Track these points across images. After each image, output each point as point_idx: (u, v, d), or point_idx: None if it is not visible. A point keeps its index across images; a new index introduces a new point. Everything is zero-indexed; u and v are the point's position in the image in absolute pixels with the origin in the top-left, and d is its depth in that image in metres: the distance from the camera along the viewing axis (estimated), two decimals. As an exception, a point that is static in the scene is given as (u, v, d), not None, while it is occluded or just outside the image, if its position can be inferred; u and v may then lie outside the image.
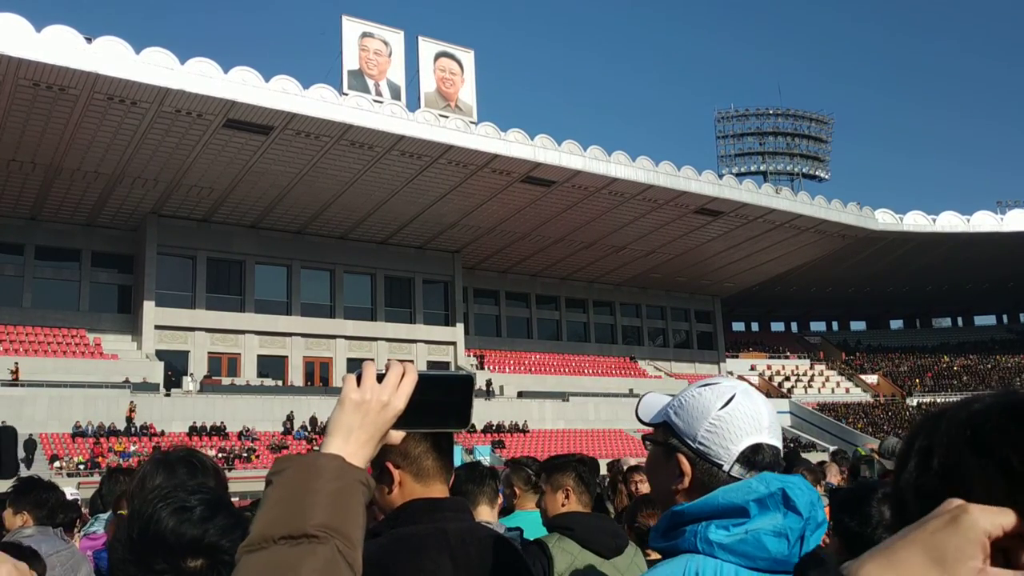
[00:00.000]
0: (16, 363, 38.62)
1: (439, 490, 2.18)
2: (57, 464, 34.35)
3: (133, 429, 39.40)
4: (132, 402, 40.40)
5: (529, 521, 3.90)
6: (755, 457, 1.66)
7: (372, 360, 1.34)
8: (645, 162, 46.63)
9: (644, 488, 6.52)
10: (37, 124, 35.21)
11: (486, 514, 3.79)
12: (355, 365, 50.91)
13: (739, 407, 1.69)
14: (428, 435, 2.16)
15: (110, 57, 32.89)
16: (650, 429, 1.86)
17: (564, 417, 51.87)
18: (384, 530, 2.13)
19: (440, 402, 1.37)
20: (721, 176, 52.11)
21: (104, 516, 4.29)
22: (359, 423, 1.30)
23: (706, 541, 1.56)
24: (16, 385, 37.98)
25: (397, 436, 1.37)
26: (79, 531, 4.47)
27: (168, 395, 41.69)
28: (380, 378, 1.33)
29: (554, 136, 43.92)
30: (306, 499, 1.19)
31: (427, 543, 2.08)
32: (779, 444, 1.72)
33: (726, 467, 1.66)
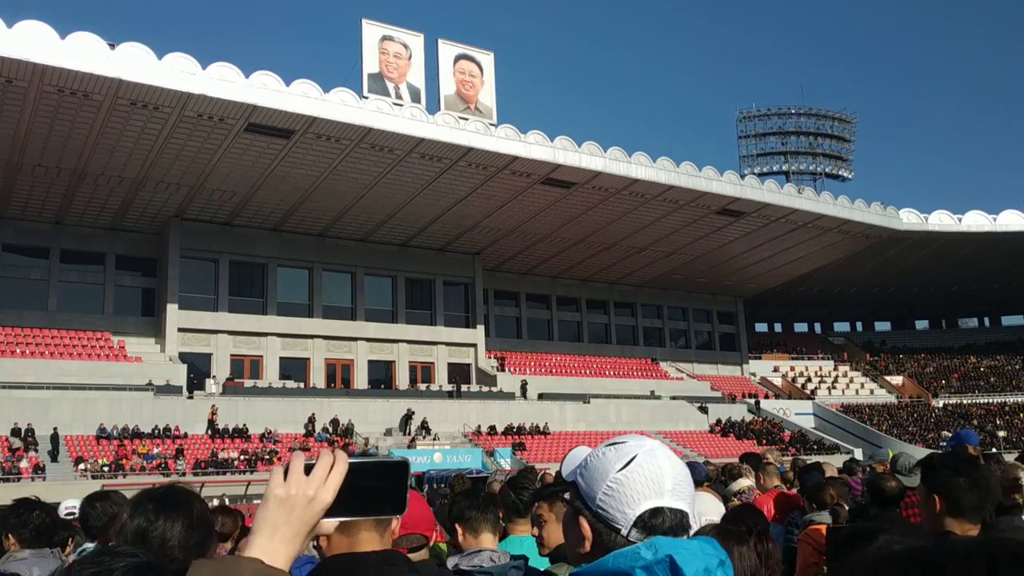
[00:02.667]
0: None
1: (368, 540, 1.99)
2: (82, 466, 34.69)
3: (214, 431, 40.17)
4: (214, 406, 41.13)
5: (526, 548, 3.79)
6: (653, 521, 1.59)
7: (302, 451, 1.30)
8: (666, 163, 46.41)
9: None
10: (62, 130, 35.61)
11: (488, 542, 3.70)
12: (376, 367, 51.34)
13: (638, 469, 1.62)
14: (410, 467, 2.08)
15: (133, 63, 33.21)
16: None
17: (585, 419, 51.71)
18: None
19: (374, 488, 1.36)
20: (743, 176, 51.79)
21: (91, 546, 4.24)
22: (284, 519, 1.27)
23: None
24: (42, 388, 38.42)
25: (330, 525, 1.34)
26: (71, 551, 4.42)
27: (191, 397, 42.00)
28: (309, 469, 1.31)
29: (574, 137, 43.87)
30: None
31: None
32: (685, 507, 1.63)
33: (623, 531, 1.59)
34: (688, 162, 47.26)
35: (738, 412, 58.74)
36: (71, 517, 5.70)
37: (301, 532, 1.29)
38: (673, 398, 57.49)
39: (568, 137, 43.61)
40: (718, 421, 56.45)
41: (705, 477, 7.88)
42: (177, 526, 2.22)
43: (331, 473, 1.32)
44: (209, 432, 40.64)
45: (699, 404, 57.61)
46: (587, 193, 46.65)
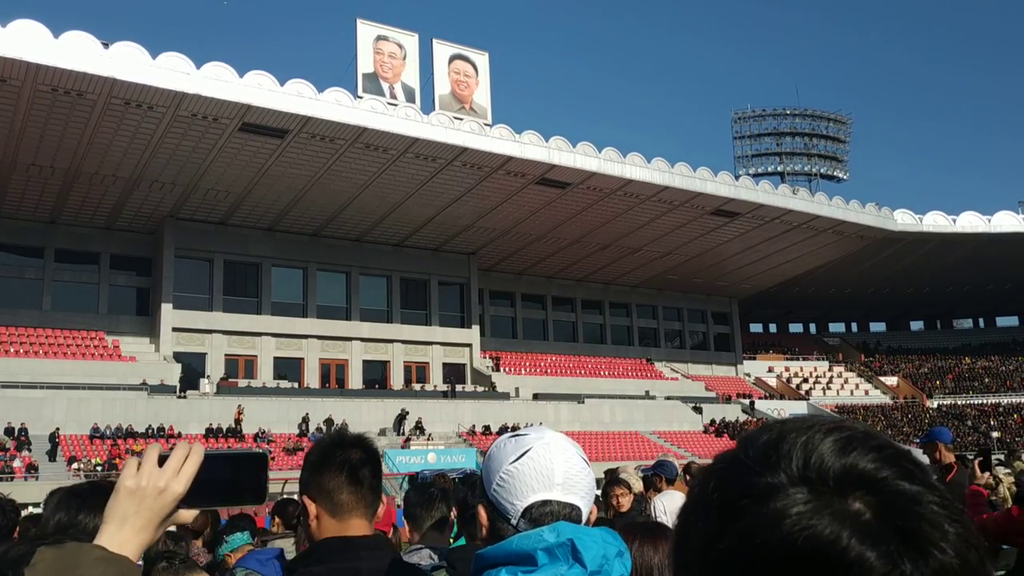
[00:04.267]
0: None
1: (357, 526, 2.12)
2: (76, 465, 34.63)
3: (240, 432, 40.35)
4: (240, 405, 41.19)
5: None
6: (542, 511, 1.63)
7: (156, 445, 1.35)
8: (661, 163, 46.47)
9: (625, 502, 6.44)
10: (56, 129, 35.57)
11: (433, 539, 3.70)
12: (371, 367, 51.32)
13: (529, 462, 1.65)
14: (345, 466, 2.13)
15: (127, 62, 33.19)
16: None
17: (580, 419, 51.72)
18: (298, 567, 2.09)
19: (232, 479, 1.39)
20: (738, 177, 51.87)
21: None
22: (134, 510, 1.31)
23: None
24: (37, 387, 38.36)
25: (188, 515, 1.39)
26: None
27: (183, 397, 41.79)
28: (163, 460, 1.33)
29: (569, 138, 43.94)
30: None
31: None
32: (577, 500, 1.67)
33: (513, 521, 1.64)
34: (683, 163, 47.35)
35: (732, 412, 58.81)
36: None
37: (152, 521, 1.32)
38: (668, 398, 57.52)
39: (563, 137, 43.67)
40: (712, 421, 56.49)
41: (675, 475, 7.98)
42: (99, 522, 2.23)
43: (185, 464, 1.34)
44: (234, 429, 40.82)
45: (693, 404, 57.65)
46: (582, 193, 46.69)
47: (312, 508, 2.13)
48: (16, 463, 33.70)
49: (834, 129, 79.45)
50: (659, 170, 46.34)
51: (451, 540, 4.02)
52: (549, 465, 1.66)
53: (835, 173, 79.19)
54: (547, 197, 46.75)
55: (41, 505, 6.20)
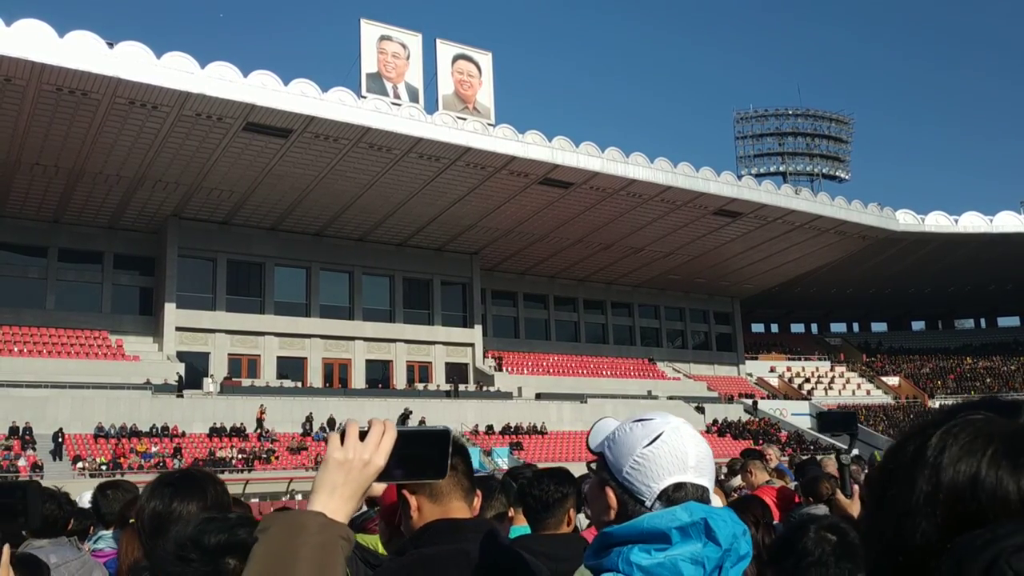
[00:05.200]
0: None
1: (459, 508, 2.21)
2: (80, 464, 34.69)
3: (262, 432, 40.61)
4: (262, 405, 41.44)
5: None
6: (676, 495, 1.69)
7: (354, 420, 1.44)
8: (663, 163, 46.51)
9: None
10: (60, 128, 35.61)
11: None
12: (374, 367, 51.34)
13: (664, 445, 1.72)
14: (451, 436, 2.22)
15: (131, 62, 33.23)
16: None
17: (582, 419, 51.72)
18: (408, 549, 2.15)
19: (418, 455, 1.49)
20: (740, 177, 51.94)
21: (107, 534, 4.31)
22: (343, 480, 1.41)
23: (628, 563, 1.61)
24: (40, 386, 38.41)
25: (379, 488, 1.48)
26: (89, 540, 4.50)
27: (180, 396, 41.65)
28: (363, 435, 1.44)
29: (572, 138, 43.95)
30: (289, 556, 1.30)
31: (448, 564, 2.10)
32: (707, 483, 1.75)
33: (648, 503, 1.69)
34: (685, 163, 47.37)
35: (735, 412, 58.84)
36: (87, 507, 5.79)
37: (357, 493, 1.42)
38: (670, 398, 57.52)
39: (566, 137, 43.72)
40: (715, 421, 56.52)
41: None
42: (192, 508, 2.27)
43: (383, 439, 1.45)
44: (257, 432, 41.00)
45: (696, 404, 57.66)
46: (585, 193, 46.73)
47: (413, 500, 2.20)
48: (21, 462, 33.73)
49: (836, 129, 79.46)
50: (662, 170, 46.37)
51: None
52: (683, 448, 1.73)
53: (837, 173, 79.20)
54: (550, 197, 46.79)
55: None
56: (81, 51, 32.28)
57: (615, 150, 45.05)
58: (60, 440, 35.51)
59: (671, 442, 1.73)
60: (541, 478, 3.75)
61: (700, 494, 1.71)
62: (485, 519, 2.23)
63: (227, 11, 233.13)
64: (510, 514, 3.97)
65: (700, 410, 57.15)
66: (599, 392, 55.14)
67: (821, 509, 6.11)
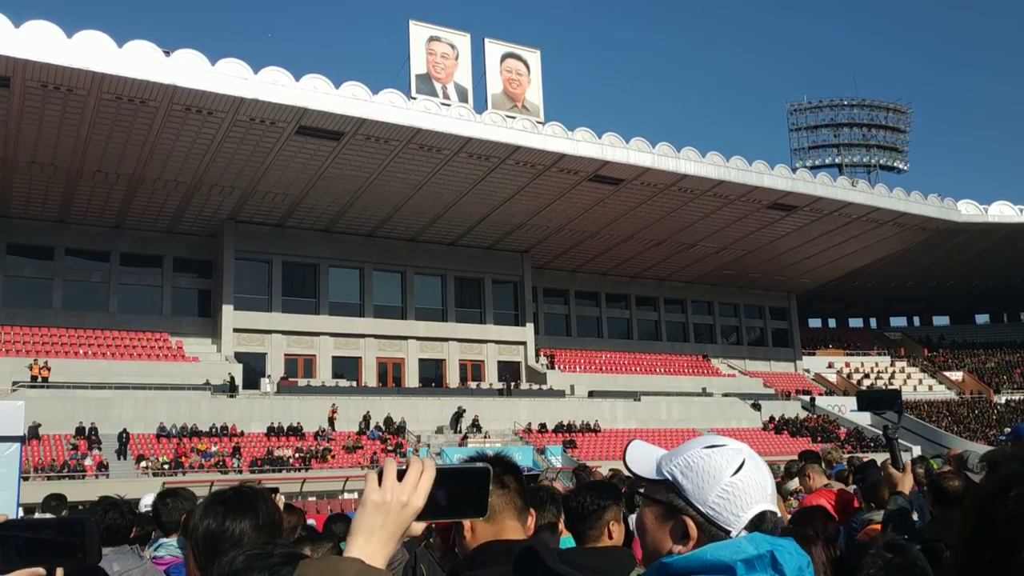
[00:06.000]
0: (46, 363, 39.61)
1: (512, 528, 2.19)
2: (144, 464, 35.60)
3: (319, 431, 41.62)
4: (334, 404, 42.32)
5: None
6: (761, 526, 1.65)
7: (392, 456, 1.41)
8: (715, 157, 45.95)
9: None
10: (120, 136, 36.53)
11: (548, 541, 3.71)
12: (427, 366, 51.69)
13: (750, 474, 1.68)
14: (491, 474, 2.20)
15: (187, 69, 33.91)
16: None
17: (636, 417, 51.45)
18: (462, 571, 2.14)
19: (458, 493, 1.47)
20: (795, 170, 51.09)
21: (168, 541, 4.40)
22: (380, 523, 1.39)
23: None
24: (105, 388, 39.49)
25: (418, 527, 1.45)
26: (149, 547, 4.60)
27: (232, 396, 42.31)
28: (401, 475, 1.42)
29: (622, 134, 43.71)
30: None
31: None
32: (777, 511, 1.71)
33: (734, 533, 1.64)
34: (738, 156, 46.76)
35: (792, 409, 57.92)
36: (148, 513, 5.91)
37: (396, 534, 1.40)
38: (725, 395, 56.90)
39: (616, 134, 43.46)
40: (771, 418, 55.72)
41: None
42: (245, 527, 2.29)
43: (421, 479, 1.42)
44: (329, 429, 41.78)
45: (752, 401, 56.92)
46: (635, 189, 46.41)
47: (466, 521, 2.18)
48: (87, 461, 34.75)
49: (893, 119, 77.72)
50: (714, 164, 45.82)
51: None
52: (764, 477, 1.70)
53: (895, 164, 77.46)
54: (600, 194, 46.58)
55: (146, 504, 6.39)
56: (139, 60, 33.04)
57: (666, 145, 44.65)
58: (124, 440, 36.48)
59: (754, 470, 1.69)
60: (581, 490, 3.74)
61: (776, 524, 1.67)
62: (538, 539, 2.20)
63: (276, 15, 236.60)
64: (561, 525, 3.93)
65: (756, 407, 56.38)
66: (652, 389, 54.73)
67: (881, 515, 5.95)
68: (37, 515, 9.96)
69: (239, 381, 43.55)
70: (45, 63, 31.40)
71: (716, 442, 1.75)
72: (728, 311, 67.53)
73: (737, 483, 1.66)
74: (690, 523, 1.67)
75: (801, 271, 62.82)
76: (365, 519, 1.40)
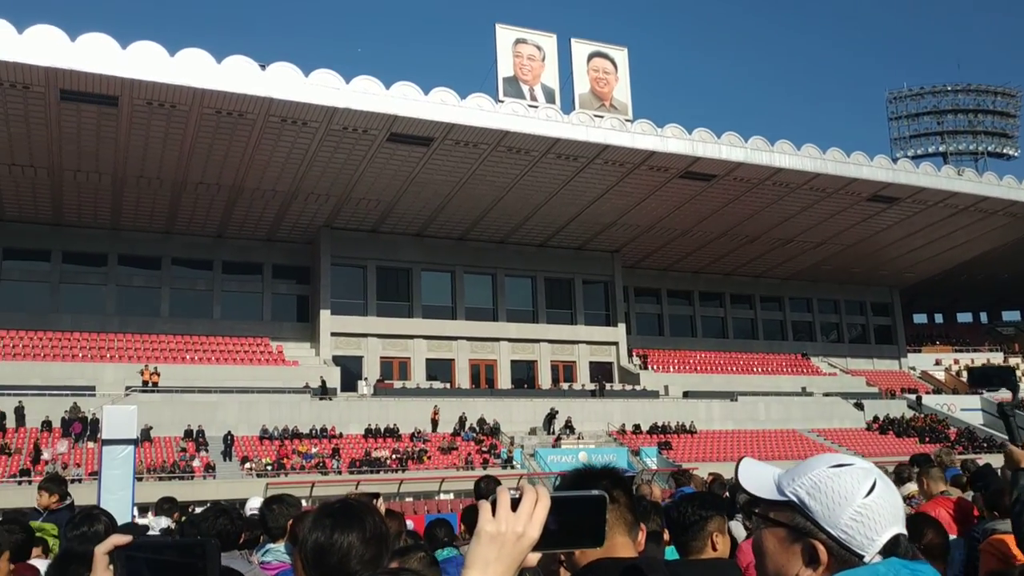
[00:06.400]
0: (156, 368, 41.33)
1: (623, 545, 2.14)
2: (248, 465, 36.82)
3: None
4: (436, 406, 43.49)
5: None
6: (896, 550, 1.56)
7: (504, 489, 1.36)
8: (811, 150, 44.67)
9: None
10: (220, 149, 37.90)
11: (653, 552, 3.64)
12: (519, 367, 51.86)
13: (883, 496, 1.58)
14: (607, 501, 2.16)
15: (282, 81, 34.91)
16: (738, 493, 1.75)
17: (733, 418, 50.44)
18: None
19: (574, 522, 1.41)
20: (895, 160, 49.19)
21: (275, 547, 4.49)
22: (495, 555, 1.34)
23: None
24: (210, 391, 41.04)
25: (534, 558, 1.40)
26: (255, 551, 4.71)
27: (323, 398, 43.15)
28: (515, 504, 1.36)
29: (713, 128, 42.96)
30: None
31: None
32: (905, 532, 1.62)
33: (867, 558, 1.54)
34: (835, 148, 45.32)
35: (897, 408, 55.80)
36: (254, 516, 6.06)
37: (511, 567, 1.35)
38: (826, 395, 55.23)
39: (707, 129, 42.72)
40: (875, 418, 53.82)
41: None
42: (353, 539, 2.30)
43: (536, 508, 1.37)
44: (428, 431, 42.67)
45: (855, 401, 55.11)
46: (728, 185, 45.51)
47: None
48: (195, 463, 36.16)
49: (1002, 103, 74.04)
50: (810, 157, 44.54)
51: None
52: (896, 498, 1.61)
53: (1004, 150, 73.78)
54: (691, 191, 45.86)
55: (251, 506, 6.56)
56: (237, 74, 34.20)
57: (759, 139, 43.63)
58: (229, 442, 37.81)
59: (885, 491, 1.59)
60: (682, 500, 3.68)
61: (909, 548, 1.58)
62: (650, 558, 2.14)
63: (363, 24, 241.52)
64: (665, 536, 3.85)
65: (859, 407, 54.58)
66: (750, 389, 53.57)
67: (1006, 524, 5.61)
68: (150, 516, 10.35)
69: (337, 384, 44.60)
70: (150, 81, 32.82)
71: (842, 461, 1.64)
72: (828, 308, 65.54)
73: (870, 505, 1.56)
74: (820, 547, 1.57)
75: (905, 265, 60.46)
76: (480, 551, 1.36)
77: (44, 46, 31.26)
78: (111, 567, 1.76)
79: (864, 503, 1.56)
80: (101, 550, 1.77)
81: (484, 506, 1.38)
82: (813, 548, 1.57)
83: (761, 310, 63.03)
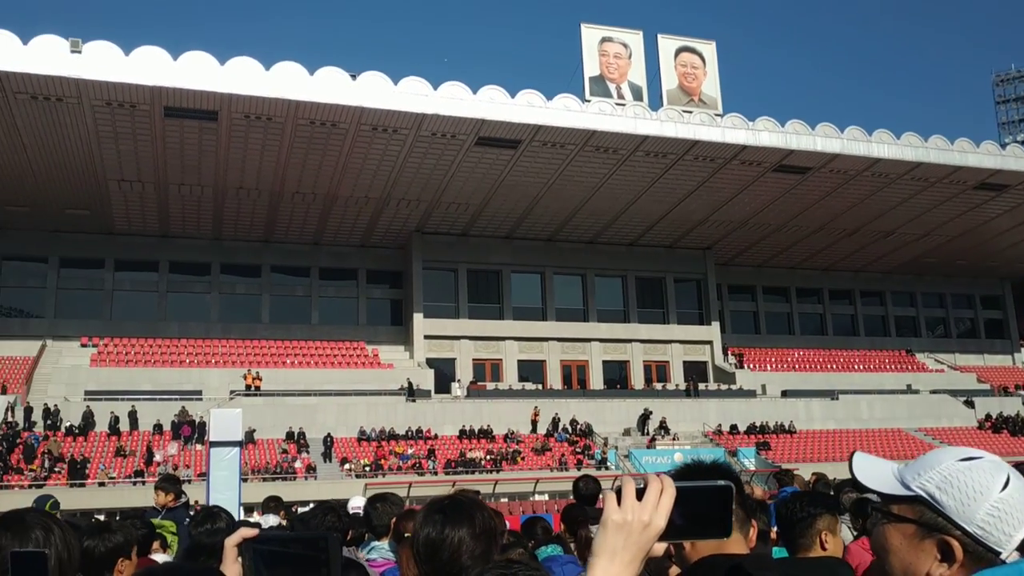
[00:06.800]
0: (258, 373, 42.58)
1: (735, 541, 2.10)
2: (347, 466, 37.70)
3: (551, 431, 43.35)
4: (536, 407, 43.97)
5: None
6: None
7: (629, 478, 1.35)
8: (912, 138, 43.00)
9: None
10: (315, 158, 38.96)
11: (760, 550, 3.57)
12: (611, 367, 51.55)
13: (1018, 490, 1.51)
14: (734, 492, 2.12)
15: (372, 90, 35.68)
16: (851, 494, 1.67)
17: (834, 417, 48.94)
18: None
19: (699, 513, 1.40)
20: (1004, 146, 46.83)
21: (380, 544, 4.57)
22: (622, 544, 1.35)
23: None
24: (310, 395, 42.20)
25: (660, 548, 1.38)
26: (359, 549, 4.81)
27: (412, 400, 43.63)
28: (640, 493, 1.36)
29: (807, 120, 41.80)
30: None
31: None
32: None
33: (1004, 555, 1.47)
34: (938, 135, 43.51)
35: (1011, 406, 53.10)
36: (357, 514, 6.20)
37: (638, 556, 1.36)
38: (933, 392, 53.00)
39: (800, 121, 41.64)
40: (987, 416, 51.36)
41: None
42: (463, 534, 2.33)
43: (661, 498, 1.38)
44: (533, 432, 43.09)
45: (964, 398, 52.74)
46: (824, 177, 44.22)
47: None
48: (297, 464, 37.22)
49: (1121, 81, 69.74)
50: (911, 145, 42.88)
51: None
52: None
53: (1125, 131, 69.42)
54: (785, 184, 44.73)
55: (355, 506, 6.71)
56: (329, 85, 35.11)
57: (856, 129, 42.26)
58: (329, 443, 38.80)
59: (1020, 486, 1.52)
60: (792, 498, 3.63)
61: None
62: (760, 555, 2.09)
63: (450, 31, 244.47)
64: (773, 535, 3.76)
65: (969, 404, 52.22)
66: (851, 387, 51.87)
67: None
68: (258, 515, 10.70)
69: (431, 386, 45.24)
70: (247, 95, 34.01)
71: (970, 454, 1.57)
72: (933, 301, 62.92)
73: (1007, 499, 1.49)
74: (955, 544, 1.50)
75: (1017, 255, 57.49)
76: (607, 540, 1.36)
77: (149, 66, 32.75)
78: (239, 558, 1.83)
79: (1000, 498, 1.49)
80: (231, 542, 1.84)
81: (610, 496, 1.39)
82: (948, 545, 1.51)
83: (862, 305, 60.98)
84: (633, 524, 1.36)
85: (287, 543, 1.80)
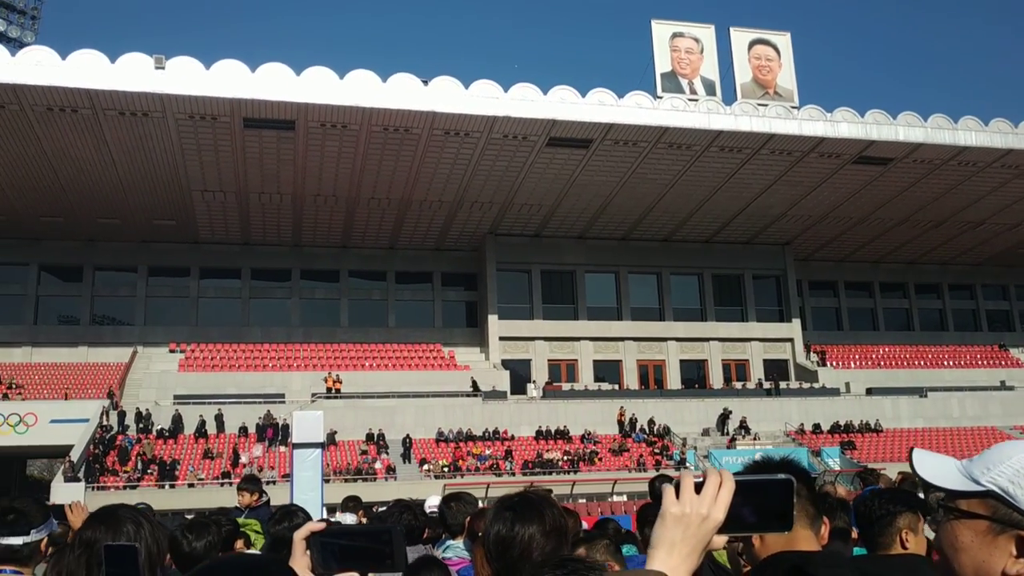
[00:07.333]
0: (338, 376, 43.28)
1: (805, 538, 2.08)
2: (426, 467, 38.15)
3: (623, 431, 43.38)
4: (622, 407, 44.10)
5: None
6: None
7: (688, 472, 1.37)
8: (1001, 124, 41.30)
9: None
10: (389, 164, 39.56)
11: (839, 549, 3.49)
12: (688, 367, 50.91)
13: None
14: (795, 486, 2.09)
15: (444, 95, 36.04)
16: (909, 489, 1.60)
17: (922, 415, 47.34)
18: None
19: (760, 506, 1.39)
20: (1102, 129, 44.58)
21: (455, 543, 4.61)
22: (680, 537, 1.35)
23: None
24: (388, 396, 42.85)
25: (720, 541, 1.38)
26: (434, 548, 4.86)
27: (476, 396, 43.93)
28: (698, 487, 1.36)
29: (888, 110, 40.55)
30: None
31: None
32: None
33: None
34: (1029, 120, 41.68)
35: (1116, 403, 50.49)
36: (433, 514, 6.28)
37: (696, 549, 1.36)
38: (1029, 388, 50.80)
39: (881, 111, 40.41)
40: (1090, 413, 48.93)
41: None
42: (533, 531, 2.34)
43: (720, 491, 1.38)
44: (620, 432, 43.07)
45: (1063, 395, 50.37)
46: (907, 168, 42.82)
47: None
48: (377, 465, 37.83)
49: None
50: (1000, 132, 41.17)
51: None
52: None
53: None
54: (866, 176, 43.47)
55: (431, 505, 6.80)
56: (402, 92, 35.61)
57: (941, 117, 40.81)
58: (408, 445, 39.33)
59: None
60: (872, 495, 3.56)
61: None
62: (832, 551, 2.05)
63: (521, 36, 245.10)
64: (854, 534, 3.67)
65: (1069, 401, 49.83)
66: (940, 384, 50.07)
67: None
68: (338, 514, 10.91)
69: (507, 387, 45.42)
70: (323, 104, 34.76)
71: None
72: (1027, 294, 60.30)
73: None
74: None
75: (1118, 244, 54.72)
76: (666, 532, 1.37)
77: (228, 79, 33.76)
78: (308, 552, 1.88)
79: None
80: (299, 536, 1.90)
81: (668, 489, 1.39)
82: None
83: (950, 299, 58.83)
84: (691, 517, 1.36)
85: (353, 536, 1.85)
